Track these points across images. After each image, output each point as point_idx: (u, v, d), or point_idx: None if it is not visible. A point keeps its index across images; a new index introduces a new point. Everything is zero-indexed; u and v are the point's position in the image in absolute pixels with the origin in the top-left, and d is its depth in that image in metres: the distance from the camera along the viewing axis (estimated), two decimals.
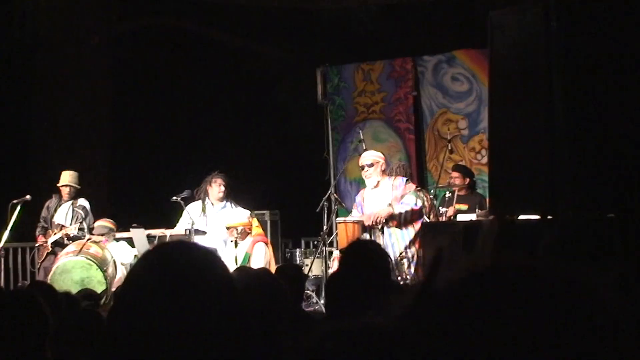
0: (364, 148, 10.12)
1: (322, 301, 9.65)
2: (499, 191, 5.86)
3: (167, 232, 9.86)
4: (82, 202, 10.70)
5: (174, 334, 1.59)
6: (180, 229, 10.04)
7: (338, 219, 9.61)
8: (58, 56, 13.04)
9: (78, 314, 4.52)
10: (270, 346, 2.85)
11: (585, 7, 5.40)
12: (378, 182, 9.21)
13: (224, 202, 10.28)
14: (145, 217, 10.47)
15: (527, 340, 0.97)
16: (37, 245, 10.74)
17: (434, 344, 1.01)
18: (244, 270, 4.24)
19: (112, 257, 10.03)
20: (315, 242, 11.24)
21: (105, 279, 9.58)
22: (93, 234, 10.25)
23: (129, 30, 14.40)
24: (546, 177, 5.42)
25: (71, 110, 12.99)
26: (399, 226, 8.98)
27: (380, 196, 9.16)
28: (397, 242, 8.96)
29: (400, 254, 8.88)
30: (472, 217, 9.33)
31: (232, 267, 7.32)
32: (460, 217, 9.44)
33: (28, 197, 10.29)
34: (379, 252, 4.24)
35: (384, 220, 8.94)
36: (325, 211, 9.66)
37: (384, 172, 9.33)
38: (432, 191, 10.18)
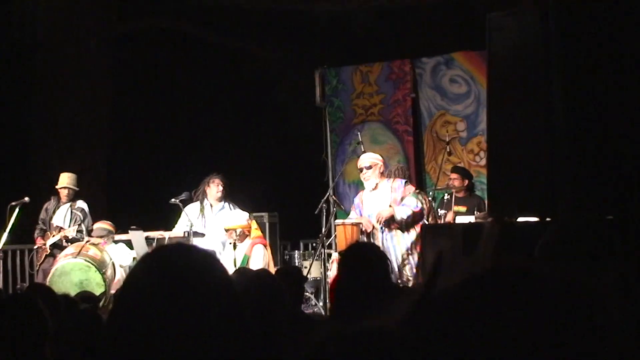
0: (363, 150, 10.12)
1: (321, 303, 9.65)
2: (497, 193, 5.86)
3: (166, 234, 9.86)
4: (81, 204, 10.70)
5: (173, 337, 1.59)
6: (178, 231, 10.03)
7: (337, 221, 9.62)
8: (58, 57, 13.04)
9: (77, 316, 4.52)
10: (270, 348, 2.85)
11: (583, 8, 5.40)
12: (377, 184, 9.21)
13: (223, 202, 10.29)
14: (143, 218, 10.47)
15: (528, 343, 0.98)
16: (35, 247, 10.73)
17: (435, 346, 1.01)
18: (243, 271, 4.23)
19: (110, 259, 10.03)
20: (314, 244, 11.25)
21: (104, 281, 9.58)
22: (92, 236, 10.25)
23: (129, 31, 14.40)
24: (545, 179, 5.42)
25: (70, 111, 12.99)
26: (400, 229, 8.97)
27: (379, 198, 9.15)
28: (398, 245, 8.95)
29: (403, 257, 8.88)
30: (470, 219, 9.33)
31: (230, 269, 7.32)
32: (459, 219, 9.44)
33: (27, 198, 10.28)
34: (378, 254, 4.24)
35: (383, 221, 8.94)
36: (324, 213, 9.66)
37: (382, 174, 9.33)
38: (430, 193, 10.18)
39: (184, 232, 9.82)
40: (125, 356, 1.62)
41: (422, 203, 9.12)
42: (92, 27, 13.13)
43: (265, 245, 9.75)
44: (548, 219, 5.45)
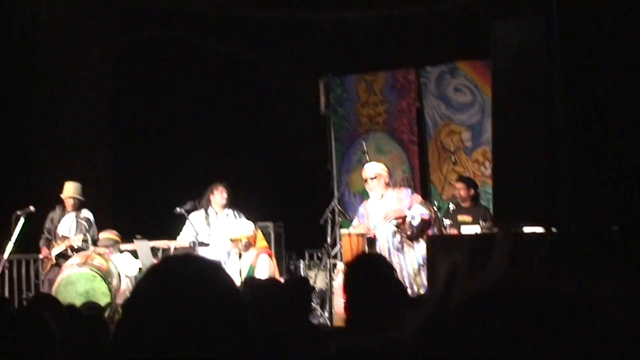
0: (368, 160, 10.12)
1: (327, 314, 9.64)
2: (503, 203, 5.86)
3: (171, 244, 9.86)
4: (86, 213, 10.71)
5: (180, 347, 1.59)
6: (183, 240, 10.04)
7: (342, 230, 9.61)
8: (59, 62, 13.05)
9: (82, 323, 4.52)
10: (278, 358, 2.85)
11: (587, 17, 5.40)
12: (382, 195, 9.21)
13: (227, 210, 10.30)
14: (147, 228, 10.48)
15: (541, 356, 0.98)
16: (41, 257, 10.73)
17: (448, 358, 1.01)
18: (251, 281, 4.24)
19: (116, 269, 10.03)
20: (319, 254, 11.24)
21: (110, 290, 9.57)
22: (97, 246, 10.26)
23: (131, 41, 14.43)
24: (550, 188, 5.41)
25: (72, 120, 12.99)
26: (410, 238, 8.97)
27: (385, 208, 9.15)
28: (410, 261, 8.95)
29: (414, 273, 8.88)
30: (476, 229, 9.32)
31: (236, 279, 7.33)
32: (464, 229, 9.43)
33: (32, 208, 10.28)
34: (384, 265, 4.23)
35: (390, 220, 8.93)
36: (329, 223, 9.65)
37: (387, 184, 9.32)
38: (435, 203, 10.18)
39: (190, 242, 9.82)
40: None
41: (429, 212, 9.14)
42: (94, 34, 13.15)
43: (270, 255, 9.74)
44: (553, 229, 5.45)
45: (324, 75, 12.33)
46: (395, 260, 8.82)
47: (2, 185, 12.31)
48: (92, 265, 9.72)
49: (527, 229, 6.36)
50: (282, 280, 7.87)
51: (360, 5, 13.77)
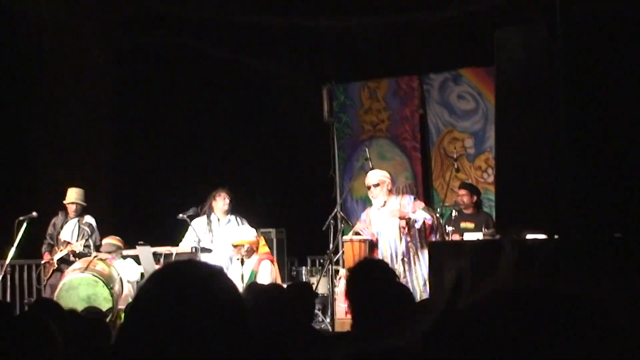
0: (370, 166, 10.12)
1: (328, 319, 9.64)
2: (505, 210, 5.85)
3: (173, 250, 9.87)
4: (89, 219, 10.72)
5: (183, 351, 1.59)
6: (185, 246, 10.04)
7: (344, 237, 9.61)
8: (60, 67, 13.06)
9: (83, 327, 4.52)
10: None
11: (590, 24, 5.40)
12: (385, 201, 9.22)
13: (230, 216, 10.30)
14: (149, 233, 10.48)
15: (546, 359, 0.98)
16: (43, 262, 10.74)
17: None
18: (254, 287, 4.23)
19: (118, 274, 10.03)
20: (322, 261, 11.23)
21: (112, 296, 9.58)
22: (100, 252, 10.26)
23: (133, 44, 14.44)
24: (552, 195, 5.41)
25: (73, 123, 13.00)
26: (413, 240, 8.98)
27: (387, 215, 9.15)
28: (416, 275, 8.97)
29: (420, 287, 8.90)
30: (478, 235, 9.32)
31: (238, 284, 7.32)
32: (467, 236, 9.43)
33: (34, 213, 10.29)
34: (386, 269, 4.23)
35: (395, 216, 8.97)
36: (332, 229, 9.66)
37: (390, 191, 9.33)
38: (438, 210, 10.18)
39: (192, 248, 9.82)
40: None
41: (432, 217, 9.16)
42: (96, 37, 13.17)
43: (272, 261, 9.75)
44: (556, 236, 5.45)
45: (327, 82, 12.34)
46: (400, 269, 8.82)
47: (4, 189, 12.31)
48: (94, 270, 9.72)
49: (529, 236, 6.36)
50: (284, 286, 7.88)
51: (363, 12, 13.77)
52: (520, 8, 10.59)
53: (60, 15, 13.09)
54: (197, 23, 14.51)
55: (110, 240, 10.44)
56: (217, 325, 1.63)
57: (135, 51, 14.27)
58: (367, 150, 10.96)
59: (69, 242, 10.46)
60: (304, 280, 10.89)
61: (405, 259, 9.01)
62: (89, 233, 10.53)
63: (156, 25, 14.40)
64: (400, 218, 9.00)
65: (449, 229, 9.77)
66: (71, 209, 10.71)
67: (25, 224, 10.13)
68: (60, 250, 10.45)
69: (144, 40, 14.57)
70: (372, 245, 9.19)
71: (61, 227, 10.68)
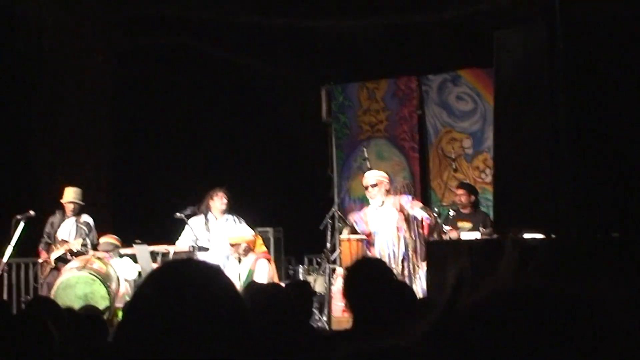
0: (368, 166, 10.13)
1: (325, 318, 9.64)
2: (503, 209, 5.85)
3: (171, 249, 9.87)
4: (86, 218, 10.71)
5: (182, 350, 1.59)
6: (182, 244, 10.05)
7: (342, 236, 9.62)
8: (60, 68, 13.06)
9: (80, 325, 4.52)
10: None
11: (590, 25, 5.41)
12: (382, 202, 9.23)
13: (227, 215, 10.30)
14: (149, 233, 10.48)
15: (547, 358, 0.98)
16: (40, 261, 10.74)
17: None
18: (252, 285, 4.23)
19: (115, 273, 10.03)
20: (319, 259, 11.24)
21: (109, 294, 9.57)
22: (97, 250, 10.26)
23: (133, 46, 14.44)
24: (551, 195, 5.41)
25: (73, 124, 13.00)
26: (415, 249, 9.00)
27: (385, 215, 9.17)
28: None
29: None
30: (476, 235, 9.34)
31: (235, 283, 7.30)
32: (464, 235, 9.45)
33: (32, 212, 10.28)
34: (384, 267, 4.23)
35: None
36: (329, 228, 9.67)
37: (388, 191, 9.35)
38: (436, 209, 10.19)
39: (189, 247, 9.83)
40: None
41: (430, 217, 9.18)
42: (96, 39, 13.17)
43: (269, 260, 9.76)
44: (553, 236, 5.45)
45: (326, 82, 12.34)
46: (399, 269, 8.83)
47: (3, 188, 12.31)
48: (91, 268, 9.72)
49: (527, 235, 6.36)
50: (282, 284, 7.89)
51: (362, 13, 13.79)
52: (520, 9, 10.60)
53: (60, 15, 13.08)
54: (196, 23, 14.52)
55: (108, 239, 10.43)
56: (215, 324, 1.63)
57: (135, 51, 14.27)
58: (365, 150, 10.96)
59: (66, 241, 10.45)
60: (301, 279, 10.90)
61: (406, 263, 9.01)
62: (87, 232, 10.52)
63: (156, 25, 14.40)
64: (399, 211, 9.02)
65: (447, 228, 9.79)
66: (69, 208, 10.70)
67: (22, 223, 10.12)
68: (58, 249, 10.44)
69: (143, 40, 14.58)
70: (368, 244, 9.20)
71: (58, 226, 10.67)
